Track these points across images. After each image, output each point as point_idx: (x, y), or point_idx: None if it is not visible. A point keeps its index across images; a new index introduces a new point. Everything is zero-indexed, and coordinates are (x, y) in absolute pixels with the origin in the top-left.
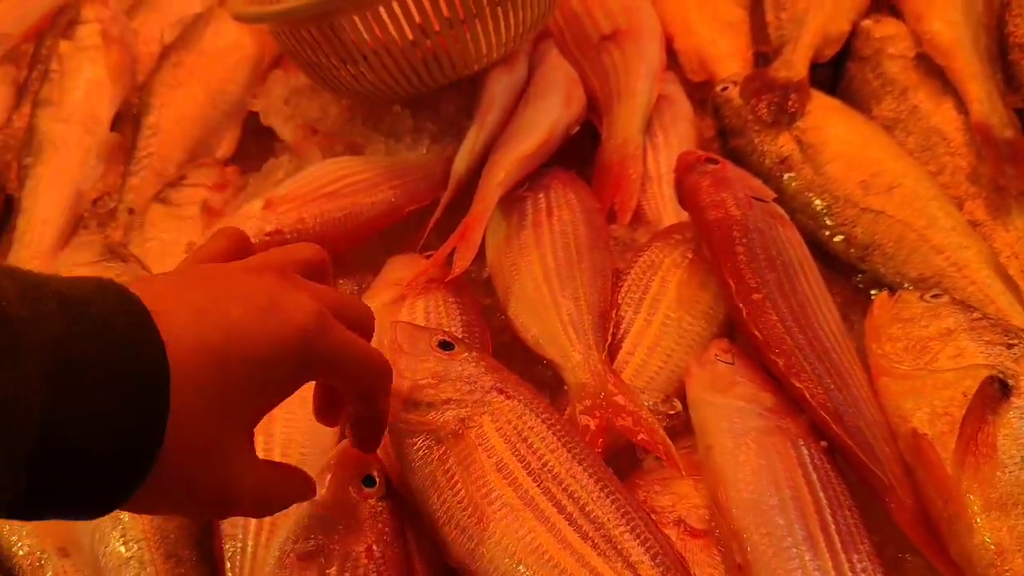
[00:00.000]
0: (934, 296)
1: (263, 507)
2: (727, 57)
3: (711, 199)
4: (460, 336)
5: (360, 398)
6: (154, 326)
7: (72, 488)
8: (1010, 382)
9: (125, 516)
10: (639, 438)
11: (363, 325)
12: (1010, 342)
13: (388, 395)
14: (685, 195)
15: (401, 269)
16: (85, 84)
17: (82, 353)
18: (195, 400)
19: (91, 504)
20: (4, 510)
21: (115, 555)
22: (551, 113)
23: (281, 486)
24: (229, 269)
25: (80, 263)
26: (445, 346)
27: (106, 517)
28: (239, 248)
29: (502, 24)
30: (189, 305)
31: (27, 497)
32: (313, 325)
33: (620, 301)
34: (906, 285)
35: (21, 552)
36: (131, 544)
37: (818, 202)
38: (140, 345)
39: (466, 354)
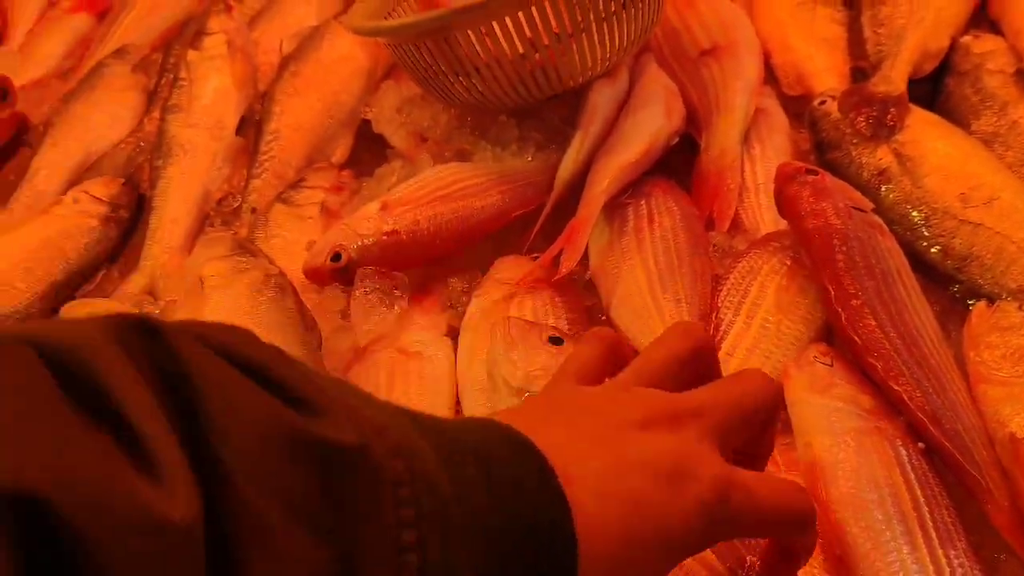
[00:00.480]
0: None
1: None
2: (824, 72)
3: (811, 208)
4: (567, 333)
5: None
6: (565, 500)
7: None
8: None
9: None
10: None
11: (764, 411)
12: None
13: (809, 536)
14: (785, 204)
15: (509, 269)
16: (212, 92)
17: (504, 532)
18: None
19: None
20: None
21: None
22: (653, 124)
23: None
24: (621, 416)
25: (213, 257)
26: (555, 341)
27: None
28: (614, 354)
29: (607, 39)
30: (588, 470)
31: None
32: (718, 496)
33: (719, 304)
34: (1004, 296)
35: None
36: None
37: (916, 214)
38: (554, 525)
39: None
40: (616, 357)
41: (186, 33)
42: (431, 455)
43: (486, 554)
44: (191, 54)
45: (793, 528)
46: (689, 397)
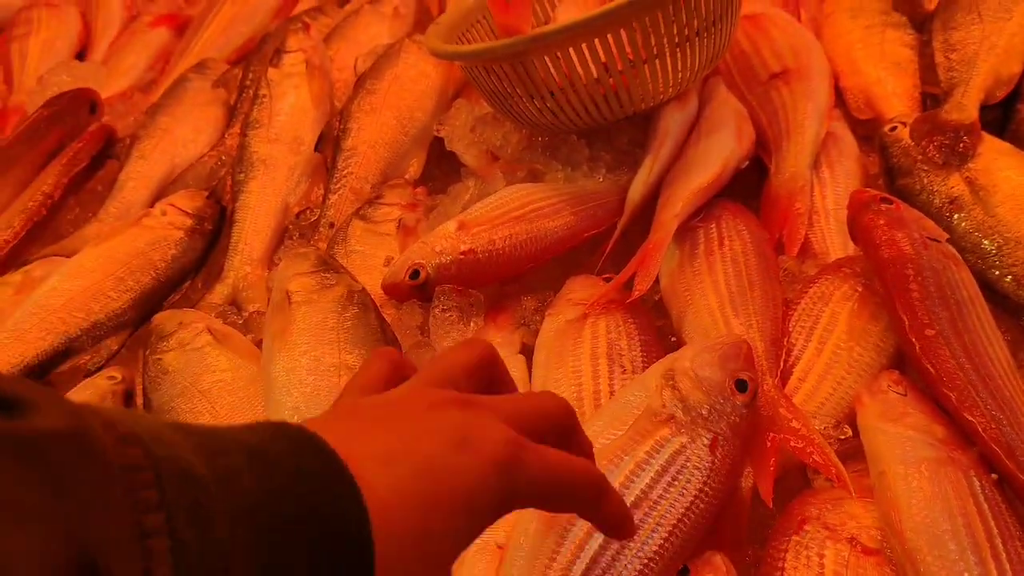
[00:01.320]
0: None
1: None
2: (893, 96)
3: (886, 237)
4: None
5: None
6: (349, 475)
7: None
8: None
9: None
10: (812, 459)
11: (556, 424)
12: None
13: (604, 505)
14: (859, 232)
15: (581, 289)
16: (290, 108)
17: (277, 510)
18: (397, 548)
19: None
20: None
21: None
22: (724, 148)
23: None
24: (407, 402)
25: (299, 272)
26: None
27: None
28: (397, 371)
29: (679, 64)
30: (377, 448)
31: None
32: (510, 456)
33: (791, 329)
34: None
35: None
36: None
37: (988, 243)
38: (338, 498)
39: None
40: (400, 374)
41: (265, 50)
42: (184, 445)
43: (266, 535)
44: (271, 71)
45: (588, 496)
46: (478, 396)
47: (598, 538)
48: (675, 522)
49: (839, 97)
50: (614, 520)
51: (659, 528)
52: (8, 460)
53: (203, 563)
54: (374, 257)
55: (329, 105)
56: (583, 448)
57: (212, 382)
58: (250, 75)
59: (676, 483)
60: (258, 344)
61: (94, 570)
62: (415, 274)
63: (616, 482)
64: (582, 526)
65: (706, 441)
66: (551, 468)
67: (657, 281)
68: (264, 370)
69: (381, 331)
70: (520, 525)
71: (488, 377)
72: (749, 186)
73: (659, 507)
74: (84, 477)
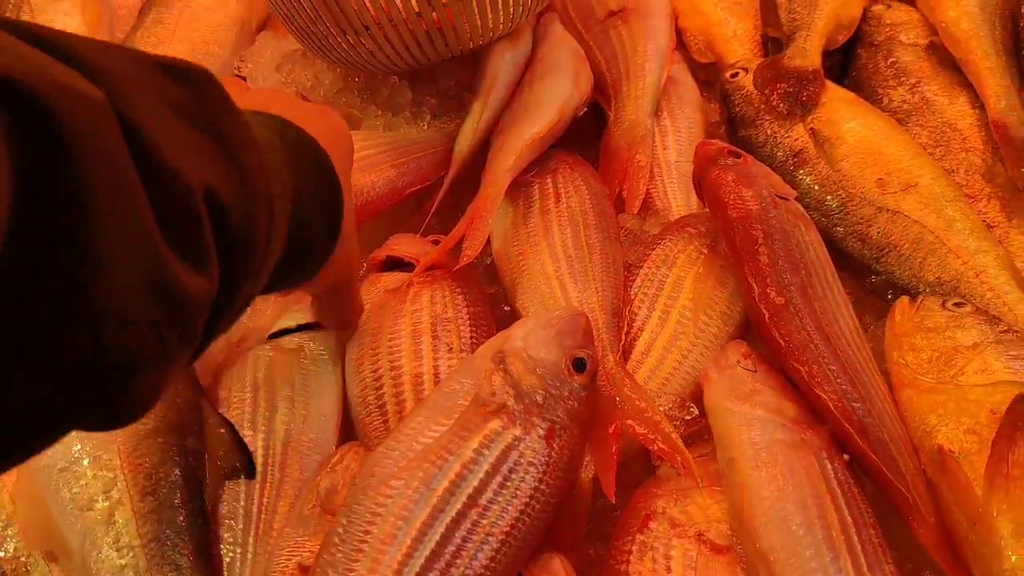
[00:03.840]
0: (956, 304)
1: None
2: (734, 39)
3: (734, 195)
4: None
5: None
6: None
7: (304, 258)
8: None
9: (120, 519)
10: (656, 447)
11: None
12: None
13: None
14: (706, 189)
15: (403, 250)
16: None
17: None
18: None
19: (312, 270)
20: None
21: (108, 562)
22: (561, 94)
23: None
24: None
25: None
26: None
27: (98, 519)
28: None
29: None
30: (312, 124)
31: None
32: None
33: (633, 297)
34: (922, 288)
35: (4, 555)
36: (125, 551)
37: (832, 199)
38: (317, 146)
39: None
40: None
41: None
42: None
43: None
44: None
45: None
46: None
47: (419, 558)
48: (508, 529)
49: (679, 39)
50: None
51: (489, 538)
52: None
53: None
54: None
55: (108, 37)
56: None
57: None
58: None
59: (509, 483)
60: None
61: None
62: None
63: (441, 487)
64: (401, 546)
65: (541, 432)
66: None
67: (488, 243)
68: None
69: None
70: (328, 548)
71: None
72: (587, 134)
73: (489, 513)
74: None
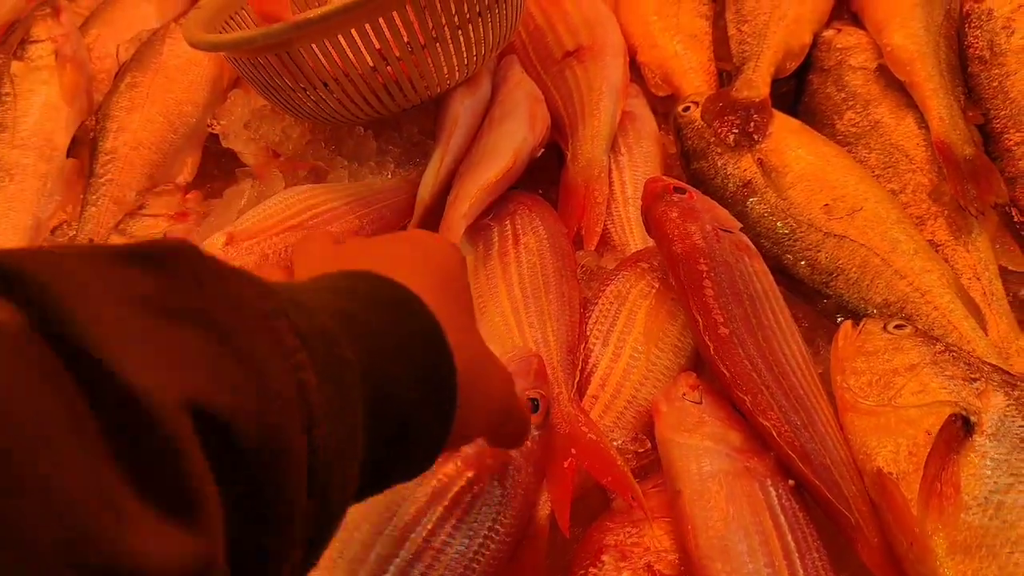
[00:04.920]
0: (897, 327)
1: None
2: (690, 71)
3: (678, 231)
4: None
5: None
6: (420, 301)
7: (405, 446)
8: (972, 419)
9: None
10: (606, 481)
11: None
12: (972, 376)
13: None
14: (652, 226)
15: None
16: (39, 107)
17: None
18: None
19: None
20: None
21: None
22: (515, 138)
23: None
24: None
25: None
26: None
27: None
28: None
29: (463, 47)
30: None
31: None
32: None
33: (588, 333)
34: (871, 310)
35: None
36: None
37: (782, 227)
38: (413, 303)
39: None
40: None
41: (10, 40)
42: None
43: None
44: (15, 65)
45: None
46: None
47: None
48: (463, 571)
49: (637, 73)
50: None
51: None
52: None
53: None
54: None
55: (86, 102)
56: None
57: None
58: None
59: (463, 525)
60: None
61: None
62: None
63: (395, 533)
64: None
65: (495, 473)
66: None
67: None
68: None
69: None
70: None
71: None
72: (551, 173)
73: (444, 556)
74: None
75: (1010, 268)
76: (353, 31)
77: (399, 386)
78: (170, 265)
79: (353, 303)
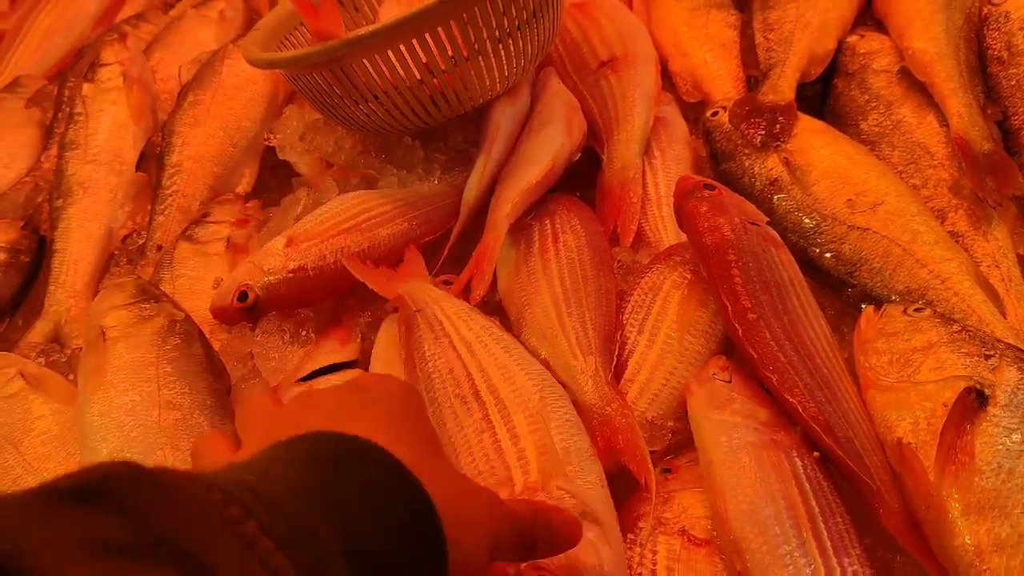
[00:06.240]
0: (916, 310)
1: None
2: (719, 78)
3: (708, 224)
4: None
5: None
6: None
7: None
8: (986, 392)
9: None
10: (628, 461)
11: None
12: (987, 353)
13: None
14: (684, 220)
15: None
16: (109, 126)
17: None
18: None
19: None
20: None
21: None
22: (553, 144)
23: None
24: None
25: (115, 305)
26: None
27: None
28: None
29: (504, 59)
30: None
31: None
32: None
33: (624, 322)
34: (894, 297)
35: None
36: None
37: (807, 221)
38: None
39: None
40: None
41: (81, 63)
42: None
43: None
44: (86, 87)
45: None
46: None
47: None
48: None
49: (669, 81)
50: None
51: None
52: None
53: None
54: (202, 280)
55: (151, 120)
56: None
57: (25, 432)
58: (66, 92)
59: None
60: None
61: None
62: (243, 296)
63: None
64: None
65: None
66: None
67: (496, 283)
68: (79, 415)
69: (207, 361)
70: None
71: None
72: (588, 176)
73: None
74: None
75: None
76: (401, 46)
77: (384, 544)
78: (115, 496)
79: (318, 473)
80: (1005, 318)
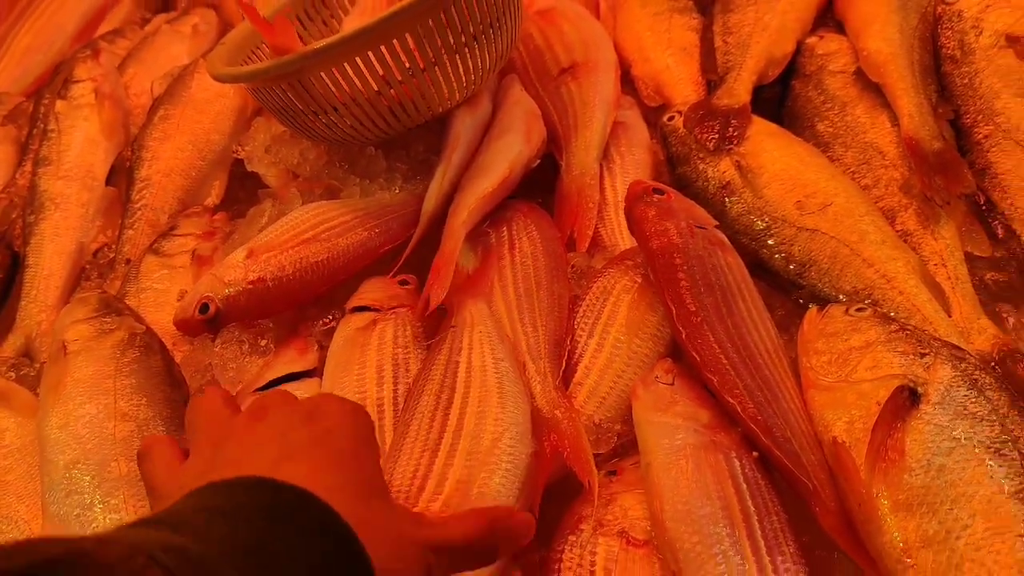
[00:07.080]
0: (858, 310)
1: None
2: (680, 82)
3: (655, 228)
4: None
5: None
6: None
7: None
8: (919, 390)
9: None
10: (574, 464)
11: None
12: (923, 351)
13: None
14: (633, 224)
15: (373, 291)
16: (81, 142)
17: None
18: None
19: None
20: None
21: None
22: (511, 151)
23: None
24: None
25: (76, 319)
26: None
27: None
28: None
29: (461, 69)
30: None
31: None
32: None
33: (575, 327)
34: (842, 298)
35: None
36: None
37: (758, 223)
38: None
39: None
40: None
41: (55, 81)
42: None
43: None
44: (59, 104)
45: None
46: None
47: None
48: None
49: (632, 85)
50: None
51: None
52: None
53: None
54: (167, 293)
55: (124, 135)
56: None
57: None
58: (41, 109)
59: None
60: None
61: None
62: (204, 308)
63: None
64: None
65: None
66: None
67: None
68: (39, 427)
69: (167, 373)
70: None
71: None
72: (548, 182)
73: None
74: None
75: (976, 254)
76: (357, 58)
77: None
78: None
79: (254, 527)
80: (950, 316)
